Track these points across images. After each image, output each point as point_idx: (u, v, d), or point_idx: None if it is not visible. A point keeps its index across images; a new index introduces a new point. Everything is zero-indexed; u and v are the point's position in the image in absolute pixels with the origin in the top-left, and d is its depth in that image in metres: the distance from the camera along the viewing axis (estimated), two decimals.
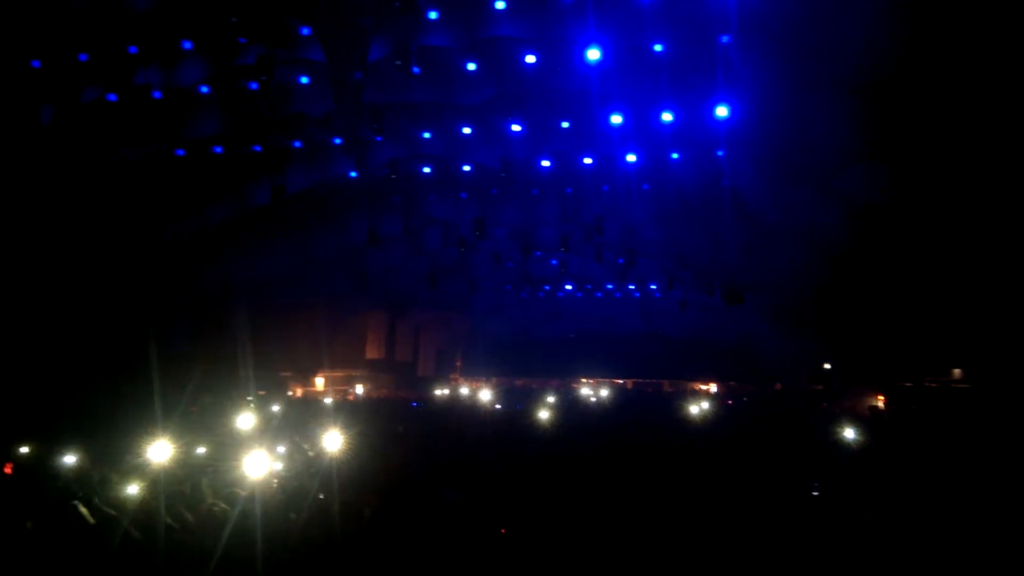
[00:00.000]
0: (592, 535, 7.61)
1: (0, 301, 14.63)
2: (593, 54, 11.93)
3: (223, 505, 7.63)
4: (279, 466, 10.67)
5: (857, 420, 14.80)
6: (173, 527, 7.22)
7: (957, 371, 18.52)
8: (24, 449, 10.36)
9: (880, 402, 19.22)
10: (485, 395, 22.39)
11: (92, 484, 8.40)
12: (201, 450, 10.46)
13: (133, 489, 8.26)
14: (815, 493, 9.52)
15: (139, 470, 9.39)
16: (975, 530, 7.89)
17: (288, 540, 7.48)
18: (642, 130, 14.41)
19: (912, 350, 17.93)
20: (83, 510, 7.19)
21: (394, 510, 7.96)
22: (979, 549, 7.34)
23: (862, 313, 16.56)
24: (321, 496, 9.37)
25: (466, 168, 16.99)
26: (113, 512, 7.34)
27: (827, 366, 21.65)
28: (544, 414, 16.67)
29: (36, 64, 13.09)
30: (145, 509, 7.71)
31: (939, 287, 15.29)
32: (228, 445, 11.75)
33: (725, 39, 11.12)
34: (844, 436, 12.72)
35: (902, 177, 12.37)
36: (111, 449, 10.54)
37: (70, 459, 9.18)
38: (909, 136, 11.36)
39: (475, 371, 28.99)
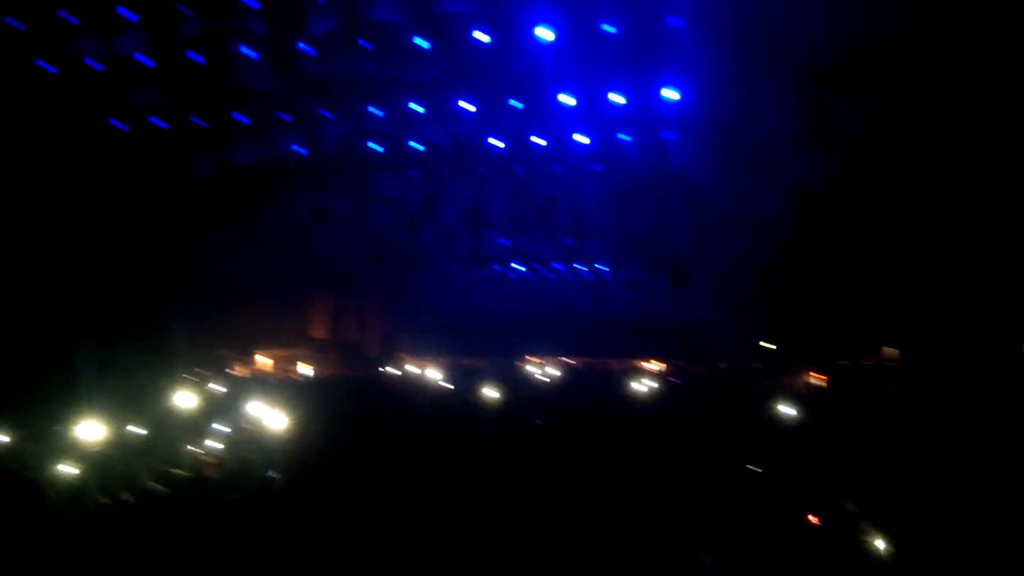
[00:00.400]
0: (535, 514, 7.69)
1: None
2: (545, 33, 11.90)
3: (158, 485, 7.50)
4: (218, 446, 10.51)
5: (796, 397, 15.30)
6: (109, 506, 7.06)
7: (890, 350, 19.23)
8: None
9: (818, 380, 19.84)
10: (433, 374, 22.36)
11: (25, 463, 8.18)
12: (135, 429, 10.20)
13: (65, 468, 8.06)
14: (756, 468, 9.81)
15: (72, 449, 9.13)
16: (905, 500, 8.24)
17: (229, 518, 7.40)
18: (594, 112, 14.48)
19: (849, 331, 18.54)
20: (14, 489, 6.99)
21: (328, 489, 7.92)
22: (909, 519, 7.67)
23: (801, 295, 17.05)
24: (268, 474, 9.28)
25: (416, 146, 16.81)
26: (50, 492, 7.17)
27: (769, 345, 22.22)
28: (490, 392, 16.81)
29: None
30: (78, 487, 7.54)
31: (875, 272, 15.82)
32: (166, 424, 11.50)
33: (677, 23, 11.23)
34: (784, 412, 13.17)
35: (842, 165, 12.74)
36: (41, 430, 10.21)
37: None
38: (852, 125, 11.68)
39: (423, 351, 28.81)
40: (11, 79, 13.32)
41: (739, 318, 21.45)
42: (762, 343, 22.48)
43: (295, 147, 16.70)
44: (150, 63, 13.63)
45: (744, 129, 12.24)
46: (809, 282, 17.27)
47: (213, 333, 22.64)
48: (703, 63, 11.55)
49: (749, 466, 10.04)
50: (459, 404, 17.30)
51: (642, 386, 18.99)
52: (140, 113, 15.37)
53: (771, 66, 10.77)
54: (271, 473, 9.60)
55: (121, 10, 12.47)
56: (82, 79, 13.68)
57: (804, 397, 16.53)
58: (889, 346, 19.05)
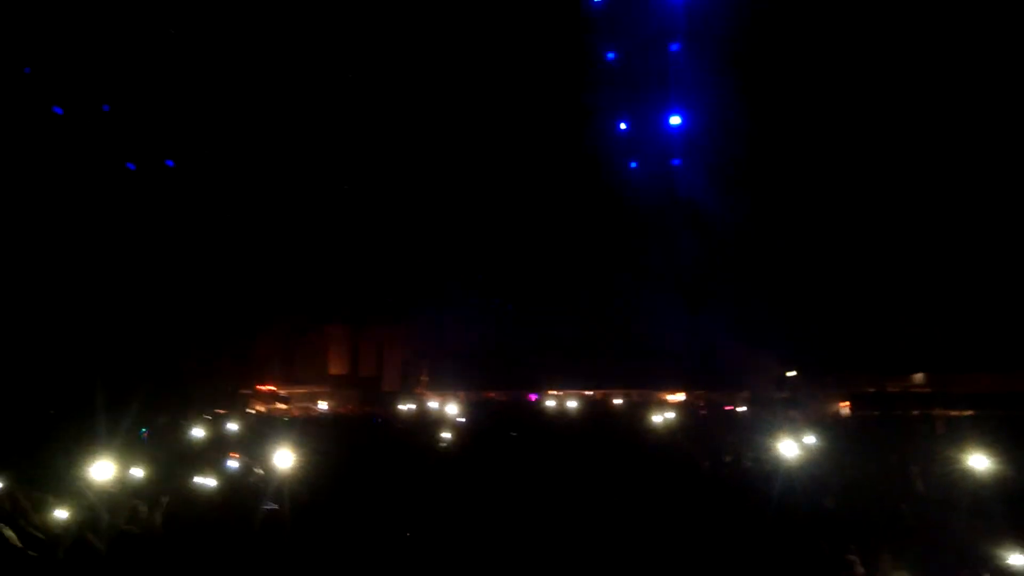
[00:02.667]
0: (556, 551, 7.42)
1: None
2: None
3: (135, 529, 7.37)
4: (212, 483, 10.36)
5: (822, 427, 14.80)
6: (99, 550, 6.94)
7: (919, 376, 18.67)
8: None
9: (844, 408, 19.28)
10: (451, 409, 22.05)
11: (19, 507, 8.08)
12: (138, 472, 10.09)
13: (63, 513, 7.98)
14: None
15: (76, 493, 9.03)
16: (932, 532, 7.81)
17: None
18: (602, 140, 14.43)
19: (874, 357, 18.07)
20: (8, 533, 6.93)
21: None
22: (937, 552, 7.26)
23: (824, 320, 16.68)
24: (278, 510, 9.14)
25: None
26: (40, 535, 7.09)
27: (790, 374, 21.72)
28: (509, 427, 16.52)
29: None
30: (75, 532, 7.45)
31: (904, 295, 15.44)
32: (173, 466, 11.39)
33: (675, 48, 11.17)
34: (810, 442, 12.67)
35: (844, 185, 12.50)
36: (49, 472, 10.15)
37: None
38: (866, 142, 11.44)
39: (442, 385, 28.61)
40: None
41: (761, 346, 21.04)
42: (785, 371, 22.00)
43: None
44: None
45: (747, 150, 12.07)
46: (831, 307, 16.91)
47: (232, 374, 22.73)
48: (700, 87, 11.45)
49: (774, 498, 9.67)
50: (478, 439, 17.00)
51: (664, 418, 18.53)
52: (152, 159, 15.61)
53: (780, 84, 10.63)
54: (281, 509, 9.46)
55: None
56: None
57: (831, 426, 16.02)
58: (917, 371, 18.51)
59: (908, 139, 11.85)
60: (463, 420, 19.82)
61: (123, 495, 9.40)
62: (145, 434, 14.07)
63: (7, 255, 15.17)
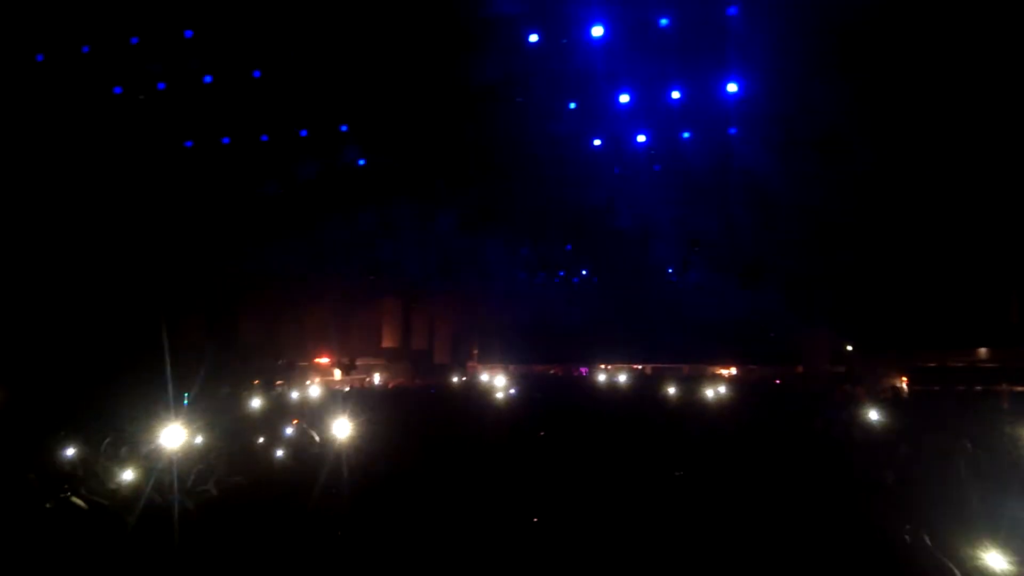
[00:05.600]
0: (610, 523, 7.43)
1: (14, 294, 14.81)
2: (597, 31, 11.70)
3: (214, 491, 7.63)
4: (280, 453, 10.70)
5: (878, 402, 14.45)
6: (169, 513, 7.24)
7: (982, 350, 18.05)
8: (40, 441, 10.46)
9: (903, 383, 18.80)
10: (501, 381, 22.29)
11: (88, 473, 8.47)
12: (199, 440, 10.47)
13: (129, 476, 8.32)
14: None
15: (145, 458, 9.43)
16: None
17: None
18: (652, 109, 14.13)
19: (935, 329, 17.51)
20: (77, 501, 7.23)
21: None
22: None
23: (882, 292, 16.18)
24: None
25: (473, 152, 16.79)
26: (106, 502, 7.39)
27: (849, 348, 21.23)
28: (561, 399, 16.58)
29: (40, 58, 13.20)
30: (140, 495, 7.75)
31: (962, 263, 14.88)
32: (236, 433, 11.81)
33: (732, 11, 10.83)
34: (869, 417, 12.40)
35: (908, 151, 12.00)
36: (121, 439, 10.59)
37: (71, 450, 9.24)
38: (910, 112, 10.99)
39: (492, 358, 28.86)
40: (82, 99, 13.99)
41: (815, 318, 20.59)
42: (842, 345, 21.52)
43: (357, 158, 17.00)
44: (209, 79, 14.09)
45: (804, 119, 11.69)
46: (889, 278, 16.39)
47: (289, 346, 23.35)
48: (758, 53, 11.09)
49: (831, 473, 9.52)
50: (528, 412, 17.11)
51: (716, 392, 18.35)
52: (208, 134, 15.96)
53: (827, 55, 10.24)
54: (337, 477, 9.70)
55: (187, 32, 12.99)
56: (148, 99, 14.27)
57: (886, 402, 15.65)
58: (980, 345, 17.89)
59: (974, 113, 11.30)
60: (513, 392, 20.02)
61: (189, 460, 9.77)
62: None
63: (81, 228, 15.80)
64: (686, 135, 15.00)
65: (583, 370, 26.66)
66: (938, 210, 13.19)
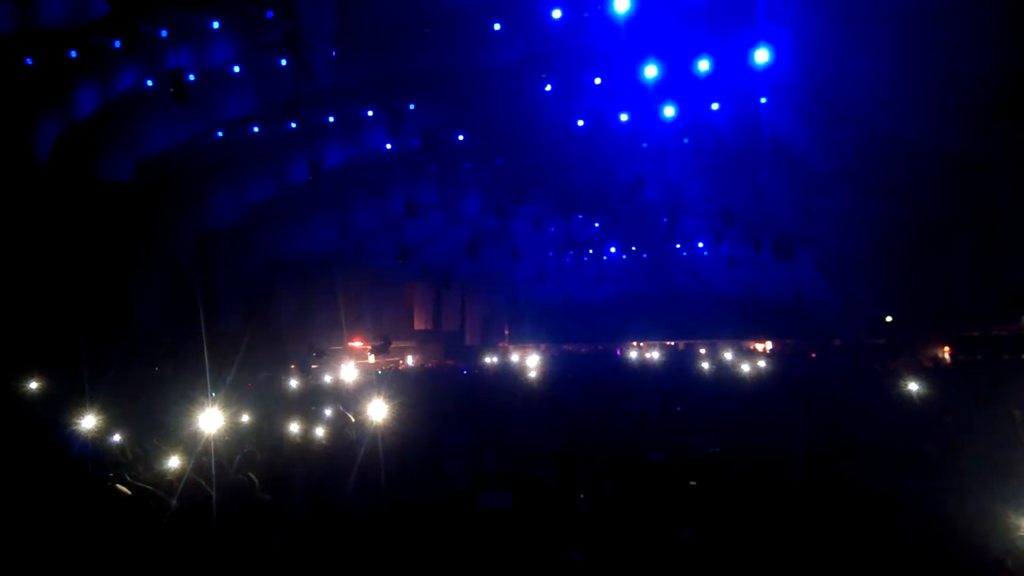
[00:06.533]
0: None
1: (54, 287, 15.15)
2: (621, 4, 11.45)
3: (252, 476, 7.73)
4: (318, 434, 10.83)
5: (918, 373, 14.13)
6: (212, 496, 7.36)
7: None
8: (84, 426, 10.72)
9: (945, 353, 18.38)
10: (533, 361, 22.27)
11: (131, 460, 8.64)
12: (245, 418, 10.64)
13: (173, 462, 8.48)
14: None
15: (186, 443, 9.61)
16: None
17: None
18: (679, 82, 13.84)
19: (978, 298, 17.02)
20: (120, 487, 7.39)
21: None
22: None
23: (922, 260, 15.70)
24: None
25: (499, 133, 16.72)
26: (148, 486, 7.54)
27: (888, 319, 20.76)
28: (592, 377, 16.48)
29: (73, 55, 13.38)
30: (184, 480, 7.90)
31: (1009, 231, 14.36)
32: (274, 415, 11.99)
33: None
34: (909, 390, 12.11)
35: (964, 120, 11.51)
36: (163, 425, 10.82)
37: (116, 438, 9.45)
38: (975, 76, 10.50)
39: (523, 338, 28.90)
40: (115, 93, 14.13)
41: (852, 290, 20.12)
42: (881, 316, 21.01)
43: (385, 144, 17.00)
44: (238, 70, 14.16)
45: (839, 83, 11.31)
46: (930, 245, 15.87)
47: (323, 330, 23.61)
48: (790, 15, 10.73)
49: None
50: (560, 391, 17.07)
51: (751, 367, 18.10)
52: (237, 124, 16.08)
53: (863, 11, 9.85)
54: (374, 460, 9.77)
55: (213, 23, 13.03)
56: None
57: (927, 372, 15.30)
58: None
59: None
60: (546, 372, 20.01)
61: (230, 444, 9.93)
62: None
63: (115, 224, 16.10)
64: (715, 106, 14.69)
65: (617, 351, 26.48)
66: (975, 178, 12.72)
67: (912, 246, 16.05)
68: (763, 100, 13.58)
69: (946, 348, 18.49)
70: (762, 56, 11.81)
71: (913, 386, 12.26)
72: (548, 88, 14.38)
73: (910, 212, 14.85)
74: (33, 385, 13.18)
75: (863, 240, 16.16)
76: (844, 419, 10.88)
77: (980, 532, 5.91)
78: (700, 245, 24.32)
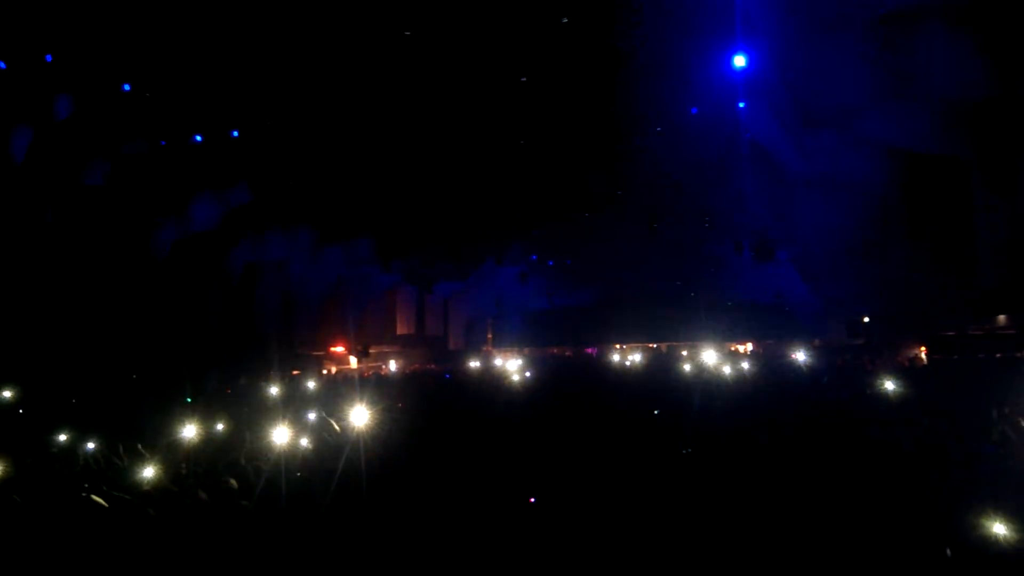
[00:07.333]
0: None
1: (32, 290, 14.95)
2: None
3: (233, 482, 7.63)
4: (302, 442, 10.74)
5: (896, 373, 14.28)
6: (192, 506, 7.25)
7: (1002, 317, 17.81)
8: (58, 438, 10.54)
9: (922, 353, 18.61)
10: (515, 365, 22.25)
11: (107, 469, 8.51)
12: (218, 429, 10.52)
13: (149, 472, 8.34)
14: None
15: (164, 451, 9.49)
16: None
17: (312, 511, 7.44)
18: (659, 85, 13.91)
19: (954, 298, 17.28)
20: (96, 497, 7.24)
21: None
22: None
23: (898, 261, 15.93)
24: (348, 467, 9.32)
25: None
26: (126, 496, 7.40)
27: (866, 319, 21.01)
28: (575, 380, 16.48)
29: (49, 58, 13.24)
30: (162, 490, 7.78)
31: (985, 232, 14.62)
32: (254, 422, 11.87)
33: None
34: (888, 389, 12.24)
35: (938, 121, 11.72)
36: (139, 433, 10.68)
37: (91, 446, 9.31)
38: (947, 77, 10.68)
39: (506, 342, 28.89)
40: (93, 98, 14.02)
41: (832, 291, 20.36)
42: (859, 317, 21.27)
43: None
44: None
45: (815, 88, 11.45)
46: (906, 246, 16.12)
47: (304, 336, 23.46)
48: (765, 23, 10.86)
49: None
50: (544, 394, 17.05)
51: (733, 369, 18.19)
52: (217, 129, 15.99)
53: (837, 18, 9.98)
54: (356, 465, 9.69)
55: None
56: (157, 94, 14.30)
57: (909, 372, 15.47)
58: (1000, 312, 17.62)
59: None
60: (528, 375, 20.00)
61: (208, 452, 9.82)
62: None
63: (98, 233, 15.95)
64: (694, 111, 14.81)
65: (591, 351, 26.62)
66: (950, 180, 12.94)
67: (888, 247, 16.28)
68: (741, 105, 13.73)
69: (923, 348, 18.72)
70: (739, 61, 11.95)
71: (890, 385, 12.40)
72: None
73: (885, 214, 15.07)
74: (7, 393, 12.99)
75: (840, 241, 16.36)
76: (824, 418, 10.97)
77: (956, 529, 5.99)
78: (681, 247, 24.51)
